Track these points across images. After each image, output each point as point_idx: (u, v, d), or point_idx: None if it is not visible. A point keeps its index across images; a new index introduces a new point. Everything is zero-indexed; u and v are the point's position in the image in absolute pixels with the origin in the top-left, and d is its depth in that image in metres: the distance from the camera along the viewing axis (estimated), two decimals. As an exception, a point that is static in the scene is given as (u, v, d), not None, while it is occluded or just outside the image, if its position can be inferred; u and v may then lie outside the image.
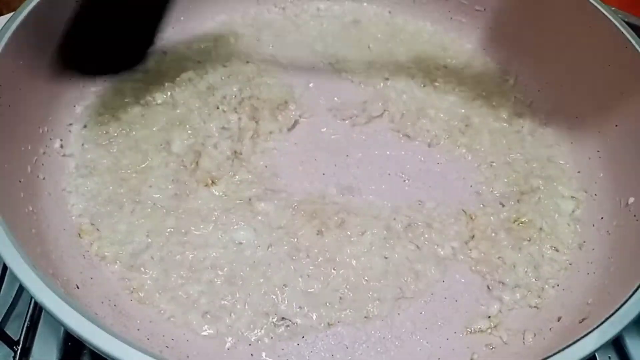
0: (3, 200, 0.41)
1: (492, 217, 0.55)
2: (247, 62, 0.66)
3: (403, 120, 0.62)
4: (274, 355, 0.46)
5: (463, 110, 0.63)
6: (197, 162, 0.56)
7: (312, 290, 0.49)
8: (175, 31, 0.67)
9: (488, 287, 0.51)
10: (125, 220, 0.51)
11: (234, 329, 0.46)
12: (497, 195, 0.57)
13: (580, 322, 0.44)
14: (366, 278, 0.50)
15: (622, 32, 0.54)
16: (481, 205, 0.56)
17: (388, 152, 0.60)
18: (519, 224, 0.55)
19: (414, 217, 0.54)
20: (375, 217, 0.54)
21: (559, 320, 0.47)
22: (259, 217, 0.53)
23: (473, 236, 0.54)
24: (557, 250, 0.53)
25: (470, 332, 0.48)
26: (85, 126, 0.56)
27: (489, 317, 0.49)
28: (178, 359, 0.44)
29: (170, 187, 0.54)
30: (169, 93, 0.60)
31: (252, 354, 0.46)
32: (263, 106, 0.61)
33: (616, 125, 0.55)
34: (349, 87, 0.65)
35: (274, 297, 0.48)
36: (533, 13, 0.63)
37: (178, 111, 0.59)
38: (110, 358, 0.33)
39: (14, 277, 0.36)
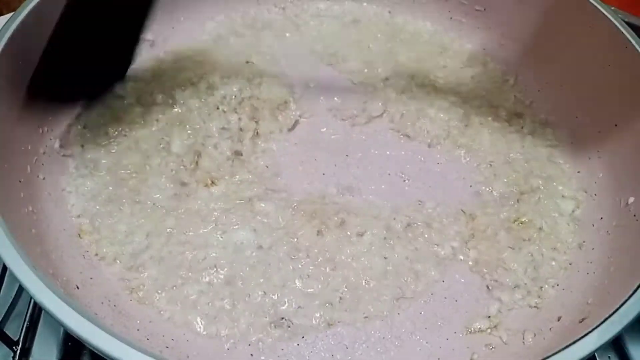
0: (3, 200, 0.41)
1: (491, 217, 0.55)
2: (247, 62, 0.66)
3: (403, 120, 0.62)
4: (274, 356, 0.46)
5: (463, 110, 0.63)
6: (197, 162, 0.56)
7: (312, 290, 0.49)
8: (175, 31, 0.67)
9: (488, 287, 0.51)
10: (125, 221, 0.51)
11: (233, 329, 0.46)
12: (497, 195, 0.57)
13: (580, 322, 0.44)
14: (366, 278, 0.50)
15: (622, 32, 0.53)
16: (481, 205, 0.56)
17: (388, 152, 0.60)
18: (518, 224, 0.55)
19: (413, 217, 0.54)
20: (375, 217, 0.54)
21: (558, 320, 0.47)
22: (259, 218, 0.53)
23: (473, 236, 0.54)
24: (557, 250, 0.53)
25: (470, 332, 0.48)
26: (85, 126, 0.56)
27: (489, 317, 0.49)
28: (178, 359, 0.44)
29: (170, 187, 0.54)
30: (168, 93, 0.60)
31: (251, 354, 0.46)
32: (263, 106, 0.61)
33: (616, 125, 0.55)
34: (349, 87, 0.65)
35: (273, 297, 0.48)
36: (533, 13, 0.63)
37: (178, 111, 0.59)
38: (110, 358, 0.33)
39: (14, 278, 0.36)
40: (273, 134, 0.60)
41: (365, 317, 0.48)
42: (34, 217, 0.46)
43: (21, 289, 0.50)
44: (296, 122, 0.61)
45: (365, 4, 0.73)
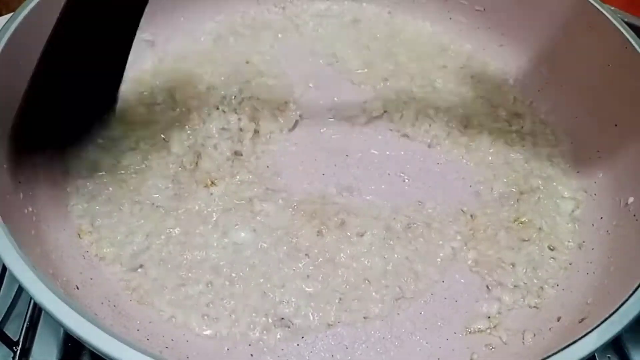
0: (3, 200, 0.41)
1: (491, 217, 0.55)
2: (247, 62, 0.66)
3: (403, 121, 0.62)
4: (274, 356, 0.46)
5: (463, 111, 0.63)
6: (197, 163, 0.56)
7: (312, 290, 0.49)
8: (175, 31, 0.67)
9: (487, 287, 0.51)
10: (125, 221, 0.51)
11: (233, 329, 0.46)
12: (497, 195, 0.57)
13: (580, 322, 0.44)
14: (366, 278, 0.50)
15: (622, 32, 0.53)
16: (481, 205, 0.56)
17: (388, 152, 0.60)
18: (518, 224, 0.55)
19: (413, 217, 0.54)
20: (375, 218, 0.54)
21: (558, 320, 0.47)
22: (259, 218, 0.53)
23: (473, 236, 0.54)
24: (557, 250, 0.53)
25: (470, 332, 0.48)
26: (85, 126, 0.56)
27: (489, 317, 0.49)
28: (178, 359, 0.44)
29: (170, 187, 0.54)
30: (168, 93, 0.60)
31: (251, 354, 0.46)
32: (263, 106, 0.61)
33: (616, 125, 0.55)
34: (349, 87, 0.65)
35: (273, 297, 0.48)
36: (533, 13, 0.63)
37: (178, 111, 0.59)
38: (109, 359, 0.33)
39: (14, 278, 0.36)
40: (273, 134, 0.60)
41: (365, 317, 0.48)
42: (33, 218, 0.46)
43: (21, 289, 0.50)
44: (296, 122, 0.61)
45: (365, 4, 0.73)
